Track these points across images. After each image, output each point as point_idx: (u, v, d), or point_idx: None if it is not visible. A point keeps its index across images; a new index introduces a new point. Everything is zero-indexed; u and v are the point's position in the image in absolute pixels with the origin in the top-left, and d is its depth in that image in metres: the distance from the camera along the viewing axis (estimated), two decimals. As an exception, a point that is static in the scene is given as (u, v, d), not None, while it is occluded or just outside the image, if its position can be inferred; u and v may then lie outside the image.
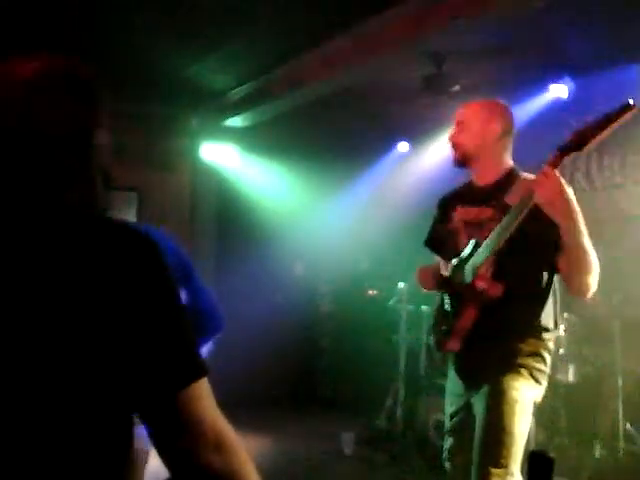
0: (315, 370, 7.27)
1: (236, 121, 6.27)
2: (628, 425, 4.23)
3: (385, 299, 5.98)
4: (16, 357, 0.89)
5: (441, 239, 2.76)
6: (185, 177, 6.78)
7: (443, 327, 2.57)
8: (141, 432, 1.00)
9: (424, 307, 5.27)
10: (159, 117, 6.28)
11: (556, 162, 2.23)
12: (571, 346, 4.46)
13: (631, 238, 4.58)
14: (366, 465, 4.97)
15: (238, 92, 5.79)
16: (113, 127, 1.05)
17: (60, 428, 0.91)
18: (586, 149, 2.20)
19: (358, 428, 5.47)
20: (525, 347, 2.45)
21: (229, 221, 6.77)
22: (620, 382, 4.24)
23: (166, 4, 4.05)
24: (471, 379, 2.53)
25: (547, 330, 2.48)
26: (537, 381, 2.45)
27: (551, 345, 2.51)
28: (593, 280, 2.33)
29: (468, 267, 2.48)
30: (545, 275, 2.47)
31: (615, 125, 2.14)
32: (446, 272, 2.67)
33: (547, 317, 2.48)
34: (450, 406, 2.64)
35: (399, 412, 5.39)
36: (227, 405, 1.24)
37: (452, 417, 2.62)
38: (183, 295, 2.73)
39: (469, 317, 2.44)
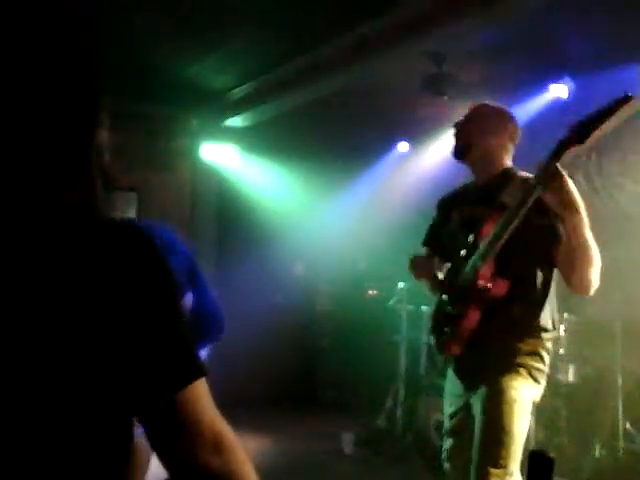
0: (315, 370, 7.27)
1: (236, 121, 6.27)
2: (628, 425, 4.23)
3: (385, 299, 5.98)
4: (15, 357, 0.90)
5: (440, 240, 2.76)
6: (185, 177, 6.78)
7: (445, 329, 2.56)
8: (141, 432, 1.00)
9: (424, 307, 5.27)
10: (159, 117, 6.28)
11: (558, 155, 2.23)
12: (571, 346, 4.46)
13: (631, 238, 4.58)
14: (366, 465, 4.98)
15: (238, 92, 5.79)
16: (113, 127, 1.05)
17: (59, 428, 0.91)
18: (588, 142, 2.19)
19: (358, 428, 5.47)
20: (524, 347, 2.45)
21: (229, 221, 6.77)
22: (620, 382, 4.24)
23: (166, 4, 4.05)
24: (470, 379, 2.53)
25: (546, 330, 2.48)
26: (536, 380, 2.45)
27: (549, 345, 2.51)
28: (595, 275, 2.33)
29: (468, 267, 2.48)
30: (544, 274, 2.47)
31: (614, 117, 2.14)
32: (441, 275, 2.68)
33: (546, 317, 2.48)
34: (449, 406, 2.64)
35: (399, 412, 5.39)
36: (227, 405, 1.24)
37: (451, 417, 2.62)
38: (190, 297, 2.74)
39: (473, 318, 2.43)
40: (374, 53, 4.43)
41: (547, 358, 2.49)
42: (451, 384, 2.64)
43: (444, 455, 2.64)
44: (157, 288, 0.97)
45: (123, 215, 5.86)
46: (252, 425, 5.19)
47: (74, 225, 0.95)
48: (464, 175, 2.74)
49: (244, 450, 1.00)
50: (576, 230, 2.26)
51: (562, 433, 4.35)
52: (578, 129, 2.18)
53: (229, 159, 6.75)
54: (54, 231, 0.93)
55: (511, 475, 2.32)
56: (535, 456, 1.01)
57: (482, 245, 2.43)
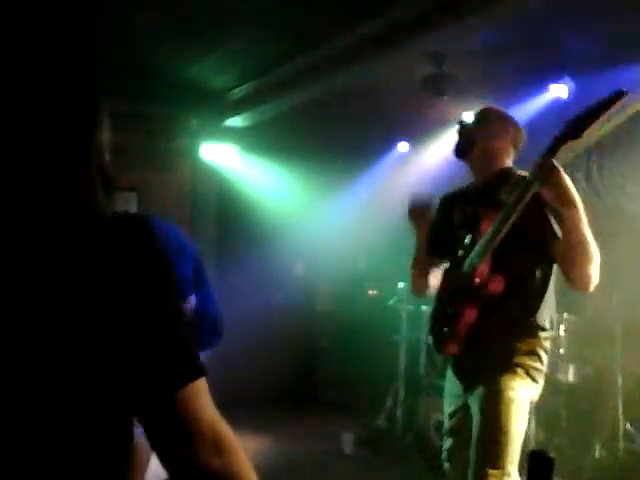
0: (315, 370, 7.27)
1: (236, 121, 6.27)
2: (628, 425, 4.23)
3: (385, 299, 5.98)
4: (14, 357, 0.89)
5: (440, 239, 2.76)
6: (185, 177, 6.77)
7: (445, 329, 2.56)
8: (141, 432, 0.99)
9: (424, 307, 5.27)
10: (159, 117, 6.28)
11: (554, 150, 2.23)
12: (571, 346, 4.46)
13: (631, 238, 4.58)
14: (366, 465, 4.98)
15: (238, 92, 5.79)
16: (113, 127, 1.05)
17: (59, 428, 0.91)
18: (583, 136, 2.19)
19: (358, 428, 5.47)
20: (522, 346, 2.45)
21: (229, 221, 6.77)
22: (620, 382, 4.23)
23: (166, 4, 4.05)
24: (468, 379, 2.53)
25: (544, 329, 2.48)
26: (534, 380, 2.45)
27: (547, 344, 2.51)
28: (595, 271, 2.32)
29: (466, 265, 2.48)
30: (543, 271, 2.47)
31: (609, 112, 2.14)
32: (438, 278, 2.69)
33: (544, 316, 2.48)
34: (448, 406, 2.64)
35: (399, 412, 5.39)
36: (226, 405, 1.24)
37: (451, 417, 2.62)
38: (194, 299, 2.74)
39: (470, 316, 2.44)
40: (374, 53, 4.43)
41: (545, 357, 2.49)
42: (450, 384, 2.64)
43: (444, 455, 2.65)
44: (158, 286, 0.97)
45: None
46: (252, 425, 5.19)
47: (76, 222, 0.95)
48: (464, 175, 2.75)
49: (244, 450, 1.00)
50: (574, 226, 2.26)
51: (562, 433, 4.35)
52: (573, 124, 2.18)
53: (229, 159, 6.74)
54: (54, 229, 0.93)
55: (509, 476, 2.32)
56: (535, 456, 1.01)
57: (480, 242, 2.43)
